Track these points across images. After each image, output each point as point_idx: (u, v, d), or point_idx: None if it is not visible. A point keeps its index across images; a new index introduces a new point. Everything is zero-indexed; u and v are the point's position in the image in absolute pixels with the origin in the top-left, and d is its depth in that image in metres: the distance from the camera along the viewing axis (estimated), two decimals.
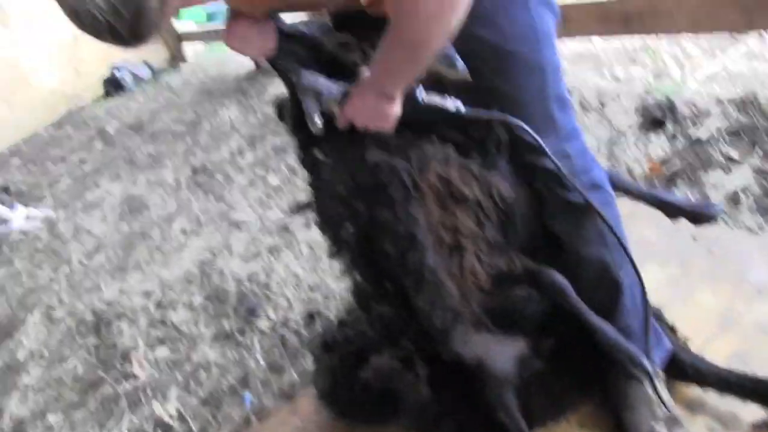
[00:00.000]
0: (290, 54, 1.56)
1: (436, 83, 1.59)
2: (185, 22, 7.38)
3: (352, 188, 1.55)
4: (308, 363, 2.33)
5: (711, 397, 1.58)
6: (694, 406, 1.59)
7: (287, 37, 1.55)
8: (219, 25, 6.42)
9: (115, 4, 1.17)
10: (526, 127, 1.46)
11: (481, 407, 1.65)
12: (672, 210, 1.82)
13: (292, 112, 1.64)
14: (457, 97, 1.56)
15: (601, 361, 1.60)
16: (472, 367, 1.66)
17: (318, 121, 1.52)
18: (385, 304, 1.78)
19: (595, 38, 3.66)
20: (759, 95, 2.72)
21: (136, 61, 7.38)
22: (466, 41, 1.43)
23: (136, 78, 7.22)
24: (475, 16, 1.35)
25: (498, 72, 1.47)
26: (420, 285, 1.55)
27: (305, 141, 1.64)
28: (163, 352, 2.79)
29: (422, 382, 1.69)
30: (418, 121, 1.52)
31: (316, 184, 1.69)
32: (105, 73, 7.25)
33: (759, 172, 2.34)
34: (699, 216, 1.79)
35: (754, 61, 3.18)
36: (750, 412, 1.52)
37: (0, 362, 3.22)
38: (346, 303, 2.45)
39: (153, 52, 7.56)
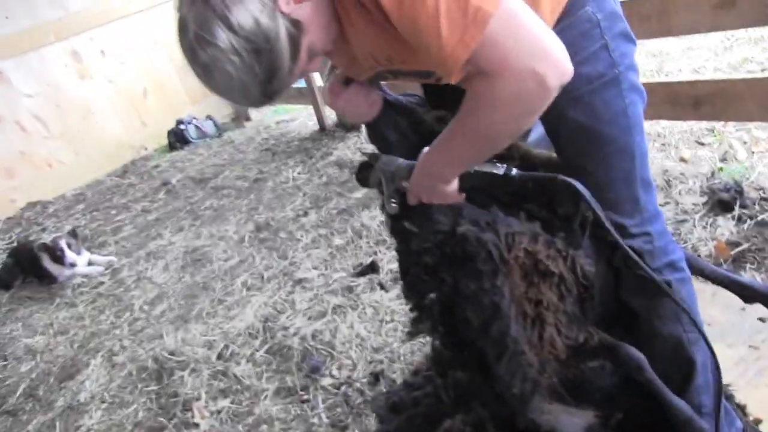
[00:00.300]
0: (391, 122, 1.65)
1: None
2: None
3: (440, 259, 1.62)
4: (371, 423, 2.37)
5: None
6: None
7: (390, 105, 1.65)
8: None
9: (251, 64, 1.25)
10: (584, 190, 1.48)
11: None
12: (749, 293, 1.84)
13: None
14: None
15: None
16: None
17: (393, 203, 1.62)
18: (461, 370, 1.83)
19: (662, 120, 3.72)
20: None
21: (201, 116, 7.63)
22: (558, 121, 1.51)
23: (201, 132, 7.44)
24: (569, 97, 1.43)
25: (588, 153, 1.54)
26: (502, 354, 1.60)
27: (397, 214, 1.71)
28: (224, 403, 2.85)
29: None
30: (471, 188, 1.58)
31: (404, 253, 1.75)
32: (170, 125, 7.49)
33: None
34: None
35: None
36: None
37: (62, 402, 3.31)
38: (412, 365, 2.50)
39: (218, 108, 7.84)
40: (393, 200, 1.64)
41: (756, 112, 2.97)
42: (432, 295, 1.67)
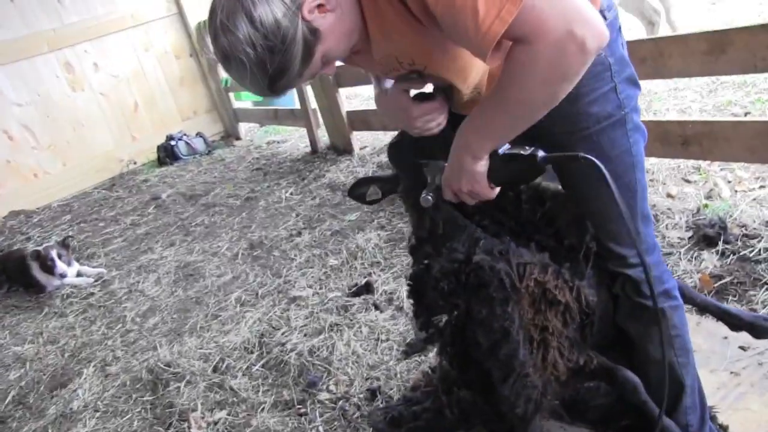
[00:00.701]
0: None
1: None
2: (244, 101, 7.73)
3: (456, 285, 1.72)
4: None
5: None
6: None
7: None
8: (273, 106, 6.72)
9: (264, 59, 1.34)
10: (604, 170, 1.46)
11: None
12: (735, 322, 1.97)
13: (414, 209, 1.82)
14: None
15: None
16: None
17: (429, 197, 1.68)
18: (465, 389, 1.93)
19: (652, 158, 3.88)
20: None
21: (191, 132, 7.70)
22: (568, 157, 1.62)
23: (190, 149, 7.50)
24: (579, 135, 1.55)
25: (593, 188, 1.65)
26: (508, 375, 1.70)
27: (422, 238, 1.81)
28: (221, 414, 2.91)
29: None
30: (500, 174, 1.57)
31: (420, 276, 1.84)
32: (160, 140, 7.54)
33: None
34: (759, 329, 1.95)
35: None
36: None
37: (54, 410, 3.33)
38: (409, 382, 2.59)
39: (208, 125, 7.93)
40: (430, 194, 1.68)
41: (740, 153, 3.14)
42: (444, 318, 1.77)
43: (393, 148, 1.84)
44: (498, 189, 1.59)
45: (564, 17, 1.23)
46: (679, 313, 1.78)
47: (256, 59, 1.34)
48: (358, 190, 1.95)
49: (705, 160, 3.57)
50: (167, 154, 7.45)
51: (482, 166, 1.52)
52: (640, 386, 1.76)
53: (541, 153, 1.52)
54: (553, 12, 1.23)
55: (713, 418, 1.90)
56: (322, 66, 1.47)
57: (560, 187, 1.78)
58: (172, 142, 7.46)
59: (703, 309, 2.02)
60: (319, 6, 1.36)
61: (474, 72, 1.56)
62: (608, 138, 1.61)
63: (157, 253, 5.01)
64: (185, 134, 7.62)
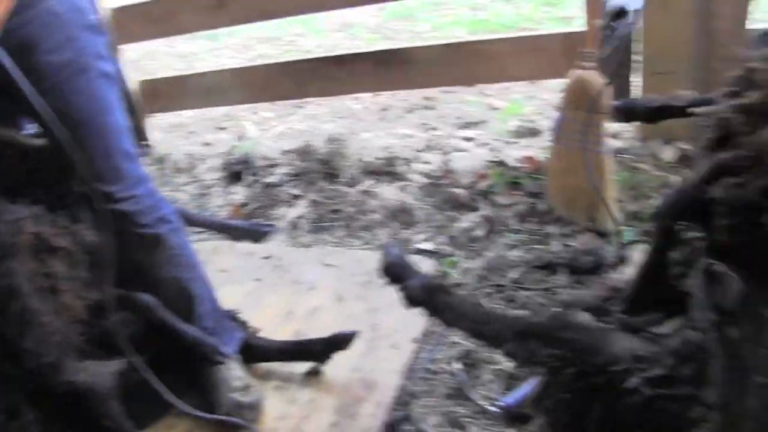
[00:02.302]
0: None
1: None
2: None
3: None
4: None
5: (277, 365, 2.09)
6: (266, 375, 2.08)
7: None
8: None
9: None
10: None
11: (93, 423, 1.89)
12: (234, 233, 2.28)
13: None
14: None
15: (193, 360, 1.98)
16: (83, 392, 1.91)
17: None
18: None
19: (186, 111, 4.17)
20: (313, 146, 3.43)
21: None
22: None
23: None
24: (44, 87, 1.61)
25: (70, 134, 1.75)
26: (24, 329, 1.76)
27: None
28: None
29: (34, 425, 1.87)
30: None
31: None
32: None
33: (313, 204, 2.99)
34: (256, 234, 2.28)
35: (311, 120, 3.96)
36: (303, 366, 2.06)
37: None
38: None
39: None
40: None
41: (251, 96, 3.61)
42: None
43: None
44: None
45: None
46: (177, 235, 2.00)
47: None
48: None
49: (223, 106, 3.96)
50: None
51: None
52: (154, 304, 1.96)
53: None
54: None
55: (234, 318, 2.18)
56: None
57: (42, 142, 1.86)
58: None
59: (206, 227, 2.28)
60: None
61: None
62: (70, 87, 1.70)
63: None
64: None
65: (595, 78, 2.47)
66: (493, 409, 1.87)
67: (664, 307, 1.52)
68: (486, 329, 1.49)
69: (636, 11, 2.26)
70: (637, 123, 3.12)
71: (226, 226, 2.19)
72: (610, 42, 2.33)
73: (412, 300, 1.56)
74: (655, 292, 1.55)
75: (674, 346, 1.40)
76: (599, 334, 1.49)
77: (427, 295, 1.54)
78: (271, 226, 2.47)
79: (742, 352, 1.23)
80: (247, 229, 2.20)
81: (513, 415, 1.83)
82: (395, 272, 1.57)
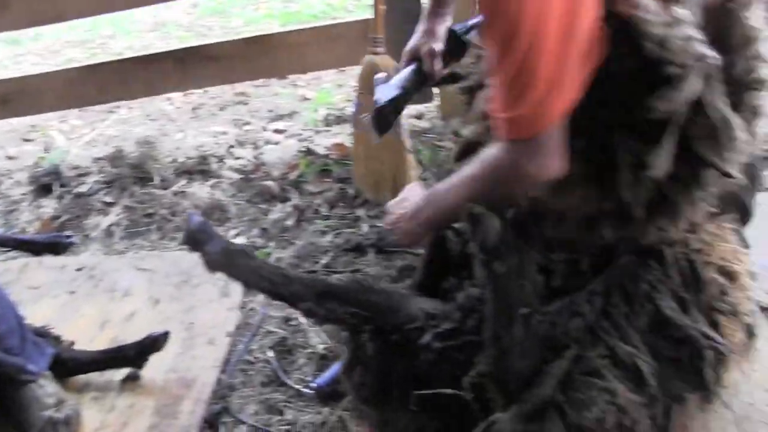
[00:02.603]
0: None
1: None
2: None
3: None
4: None
5: (94, 376, 2.07)
6: (83, 387, 2.06)
7: None
8: None
9: None
10: None
11: None
12: (33, 247, 2.23)
13: None
14: None
15: None
16: None
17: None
18: None
19: None
20: (124, 151, 3.39)
21: None
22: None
23: None
24: None
25: None
26: None
27: None
28: None
29: None
30: None
31: None
32: None
33: (126, 209, 2.97)
34: (56, 247, 2.25)
35: (123, 125, 3.90)
36: (121, 373, 2.06)
37: None
38: None
39: None
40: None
41: (55, 103, 3.50)
42: None
43: None
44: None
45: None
46: None
47: None
48: None
49: (24, 116, 3.81)
50: None
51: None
52: None
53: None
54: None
55: (44, 333, 2.11)
56: None
57: None
58: None
59: (1, 245, 2.22)
60: None
61: None
62: None
63: None
64: None
65: (387, 62, 2.63)
66: (307, 391, 1.97)
67: (458, 272, 1.69)
68: (286, 290, 1.55)
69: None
70: (429, 104, 3.35)
71: (23, 241, 2.14)
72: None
73: (213, 265, 1.58)
74: (446, 258, 1.71)
75: (460, 301, 1.57)
76: (396, 297, 1.62)
77: (227, 259, 1.57)
78: (70, 236, 2.44)
79: (508, 285, 1.41)
80: (46, 242, 2.16)
81: (325, 394, 1.93)
82: (197, 238, 1.59)
